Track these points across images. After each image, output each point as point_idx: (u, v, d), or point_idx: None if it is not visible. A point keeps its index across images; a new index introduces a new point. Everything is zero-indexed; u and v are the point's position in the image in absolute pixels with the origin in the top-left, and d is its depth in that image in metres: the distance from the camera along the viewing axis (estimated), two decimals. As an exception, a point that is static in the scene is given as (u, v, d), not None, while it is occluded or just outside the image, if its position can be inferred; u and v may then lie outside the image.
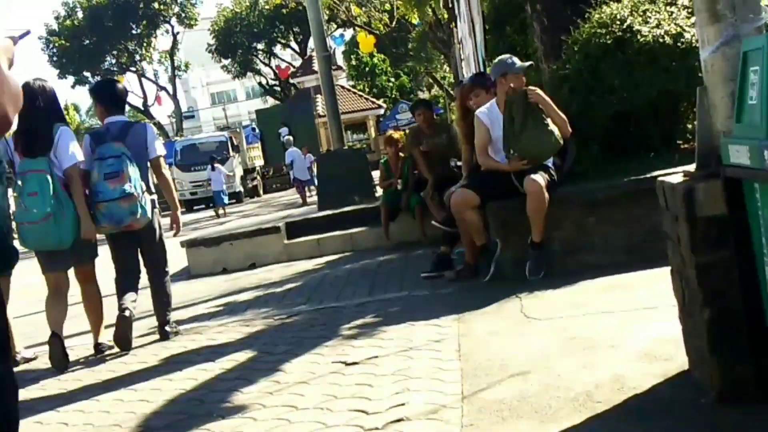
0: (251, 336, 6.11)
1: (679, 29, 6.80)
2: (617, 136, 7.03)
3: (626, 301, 5.08)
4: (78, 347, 6.44)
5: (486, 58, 11.83)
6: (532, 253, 6.29)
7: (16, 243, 4.50)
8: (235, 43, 55.24)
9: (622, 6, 7.11)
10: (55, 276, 6.14)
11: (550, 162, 6.53)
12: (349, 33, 50.31)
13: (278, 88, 58.48)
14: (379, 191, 11.84)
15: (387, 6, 40.53)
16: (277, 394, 4.44)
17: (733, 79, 3.00)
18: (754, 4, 3.11)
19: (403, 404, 3.89)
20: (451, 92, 29.74)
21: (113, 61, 57.65)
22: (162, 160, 6.59)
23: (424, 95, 52.66)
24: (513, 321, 5.18)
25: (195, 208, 32.50)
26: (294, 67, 53.12)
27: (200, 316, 7.37)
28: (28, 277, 7.45)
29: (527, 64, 6.60)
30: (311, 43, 28.58)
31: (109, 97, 6.57)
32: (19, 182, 5.84)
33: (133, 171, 6.14)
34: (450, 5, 22.85)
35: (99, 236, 6.22)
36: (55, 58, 55.99)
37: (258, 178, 38.12)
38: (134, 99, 57.07)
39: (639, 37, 6.81)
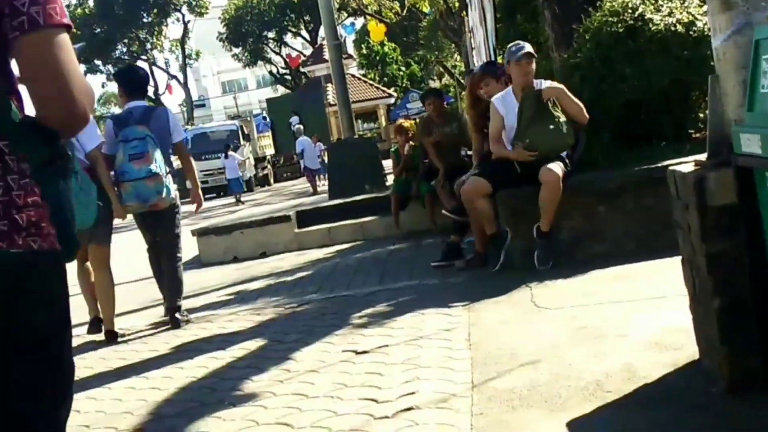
0: (262, 324, 6.13)
1: (691, 18, 6.77)
2: (628, 124, 7.00)
3: (636, 290, 5.07)
4: (87, 335, 6.47)
5: (497, 47, 11.81)
6: (539, 242, 6.28)
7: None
8: (245, 32, 55.14)
9: (634, -6, 7.08)
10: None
11: (565, 154, 6.50)
12: (359, 22, 50.20)
13: (289, 77, 58.42)
14: (390, 180, 11.84)
15: (398, -6, 40.43)
16: (288, 382, 4.45)
17: (744, 67, 2.98)
18: (766, -8, 3.09)
19: (413, 393, 3.90)
20: (462, 81, 29.63)
21: (124, 49, 57.65)
22: (183, 143, 6.81)
23: (434, 84, 52.54)
24: (523, 310, 5.18)
25: (206, 197, 32.39)
26: (304, 55, 53.04)
27: (211, 304, 7.40)
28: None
29: (524, 51, 6.53)
30: (322, 32, 28.52)
31: (129, 82, 6.69)
32: None
33: (157, 152, 6.29)
34: (461, -7, 22.79)
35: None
36: (66, 47, 55.88)
37: (269, 166, 38.13)
38: (145, 88, 56.95)
39: (651, 25, 6.78)
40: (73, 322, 1.94)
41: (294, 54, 56.52)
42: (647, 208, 6.11)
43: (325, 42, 19.76)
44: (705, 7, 4.20)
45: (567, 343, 4.28)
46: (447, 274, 6.86)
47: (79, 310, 6.14)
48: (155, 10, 56.04)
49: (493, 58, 11.70)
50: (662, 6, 6.91)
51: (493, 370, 4.04)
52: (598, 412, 3.28)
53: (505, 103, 6.67)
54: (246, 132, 36.78)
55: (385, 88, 46.93)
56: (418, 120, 12.92)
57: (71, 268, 2.35)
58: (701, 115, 7.00)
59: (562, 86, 6.54)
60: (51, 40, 1.68)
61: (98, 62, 56.48)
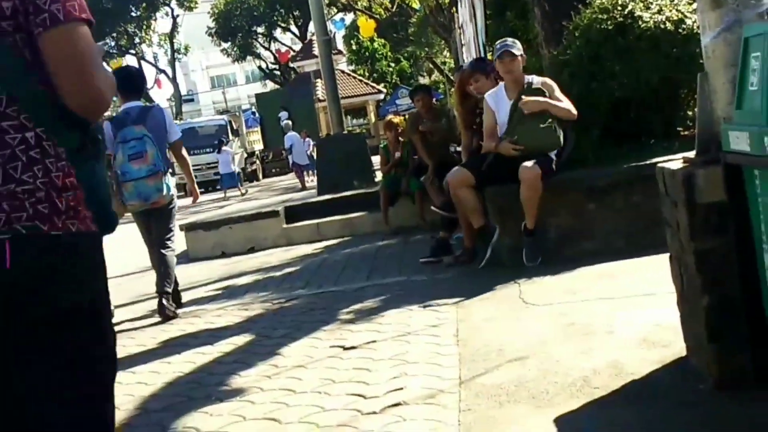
0: (250, 320, 6.12)
1: (680, 15, 6.77)
2: (618, 122, 7.01)
3: (624, 287, 5.08)
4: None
5: (487, 43, 11.80)
6: (526, 240, 6.29)
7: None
8: (235, 27, 54.96)
9: (624, -9, 7.08)
10: None
11: (554, 153, 6.48)
12: (349, 17, 50.11)
13: (278, 72, 58.26)
14: (379, 176, 11.83)
15: (388, -10, 40.37)
16: (275, 377, 4.45)
17: (734, 64, 2.98)
18: (756, -11, 3.09)
19: (400, 389, 3.90)
20: (452, 78, 29.65)
21: (113, 43, 57.35)
22: (181, 141, 7.01)
23: (424, 80, 52.50)
24: (511, 306, 5.18)
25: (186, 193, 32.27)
26: (294, 51, 52.92)
27: (199, 299, 7.37)
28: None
29: (503, 50, 6.55)
30: (311, 27, 28.47)
31: (126, 82, 6.68)
32: None
33: (155, 151, 6.41)
34: (451, -10, 22.78)
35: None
36: (54, 41, 55.59)
37: (257, 162, 38.03)
38: (134, 82, 56.72)
39: (640, 22, 6.78)
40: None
41: (283, 49, 56.36)
42: (636, 205, 6.12)
43: (314, 37, 19.78)
44: (694, 5, 4.21)
45: (555, 339, 4.28)
46: (435, 270, 6.86)
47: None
48: (144, 4, 55.76)
49: (482, 55, 11.68)
50: (652, 3, 6.91)
51: (481, 366, 4.04)
52: (585, 409, 3.29)
53: (496, 99, 6.67)
54: (235, 127, 36.67)
55: (374, 84, 46.86)
56: (407, 116, 12.89)
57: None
58: (690, 112, 7.01)
59: (553, 84, 6.53)
60: (71, 35, 1.83)
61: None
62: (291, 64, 51.29)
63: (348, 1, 40.89)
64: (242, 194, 24.15)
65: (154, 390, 4.61)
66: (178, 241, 7.43)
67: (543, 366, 3.87)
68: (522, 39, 9.26)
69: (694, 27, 6.40)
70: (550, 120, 6.38)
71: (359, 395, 3.92)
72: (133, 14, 56.45)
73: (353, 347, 4.80)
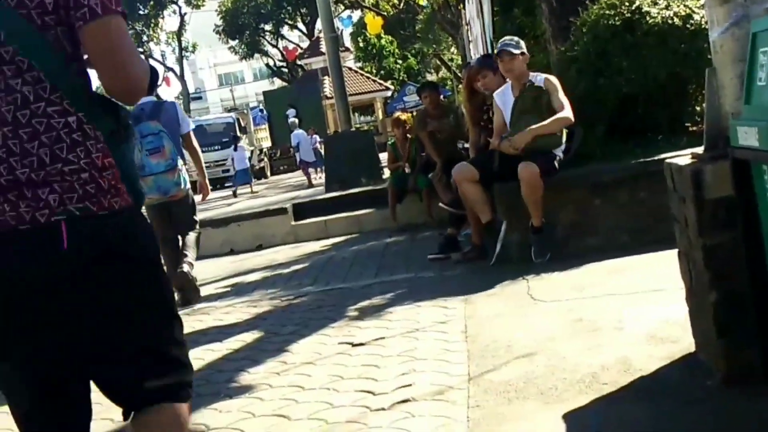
0: (258, 317, 6.13)
1: (688, 10, 6.77)
2: (625, 118, 7.00)
3: (632, 283, 5.07)
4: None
5: (494, 40, 11.78)
6: (533, 237, 6.28)
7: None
8: (242, 24, 54.96)
9: (631, -13, 7.07)
10: None
11: (559, 150, 6.47)
12: (356, 14, 50.00)
13: (285, 70, 58.22)
14: (386, 173, 11.84)
15: (395, -13, 40.30)
16: (284, 374, 4.45)
17: (742, 60, 2.97)
18: (764, -16, 3.08)
19: (409, 385, 3.90)
20: (459, 74, 29.58)
21: (120, 41, 57.40)
22: (192, 133, 7.21)
23: (431, 77, 52.38)
24: (519, 303, 5.18)
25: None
26: (301, 48, 52.86)
27: (207, 296, 7.38)
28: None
29: (499, 48, 6.58)
30: (319, 25, 28.47)
31: None
32: None
33: (171, 146, 6.59)
34: (458, -14, 22.74)
35: None
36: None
37: (265, 159, 38.05)
38: (142, 80, 56.74)
39: (648, 18, 6.78)
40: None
41: (291, 47, 56.34)
42: (642, 201, 6.11)
43: (322, 35, 19.78)
44: (702, 0, 4.20)
45: (563, 335, 4.28)
46: (444, 267, 6.87)
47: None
48: (151, 3, 55.82)
49: (489, 51, 11.67)
50: (659, -1, 6.91)
51: (489, 362, 4.04)
52: (593, 405, 3.28)
53: (504, 98, 6.67)
54: (243, 125, 36.68)
55: (382, 81, 46.83)
56: (415, 113, 12.90)
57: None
58: (698, 108, 6.99)
59: (556, 82, 6.50)
60: (109, 27, 1.97)
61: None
62: (298, 62, 51.25)
63: (355, -2, 40.82)
64: (252, 192, 24.19)
65: (164, 387, 4.61)
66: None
67: (551, 362, 3.87)
68: (529, 35, 9.29)
69: (702, 22, 6.39)
70: (548, 117, 6.35)
71: (368, 392, 3.92)
72: (141, 12, 56.47)
73: (361, 344, 4.80)
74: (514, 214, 6.42)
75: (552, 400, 3.40)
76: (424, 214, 9.54)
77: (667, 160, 3.51)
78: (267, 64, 60.92)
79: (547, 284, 5.54)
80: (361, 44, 54.26)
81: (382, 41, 52.35)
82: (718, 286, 3.09)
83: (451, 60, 47.39)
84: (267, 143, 41.17)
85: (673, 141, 6.50)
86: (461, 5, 23.33)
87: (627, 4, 6.92)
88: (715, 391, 3.14)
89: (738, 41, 3.05)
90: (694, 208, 3.09)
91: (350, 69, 42.83)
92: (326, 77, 33.24)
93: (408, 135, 10.11)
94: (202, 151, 7.38)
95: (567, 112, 6.30)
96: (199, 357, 5.13)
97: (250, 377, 4.50)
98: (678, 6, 6.81)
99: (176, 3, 57.69)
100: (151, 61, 58.32)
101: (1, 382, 2.12)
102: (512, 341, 4.31)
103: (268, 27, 56.89)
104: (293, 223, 10.74)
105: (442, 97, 10.35)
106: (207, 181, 7.55)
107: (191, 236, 7.06)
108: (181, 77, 61.37)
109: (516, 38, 6.68)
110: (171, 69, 61.83)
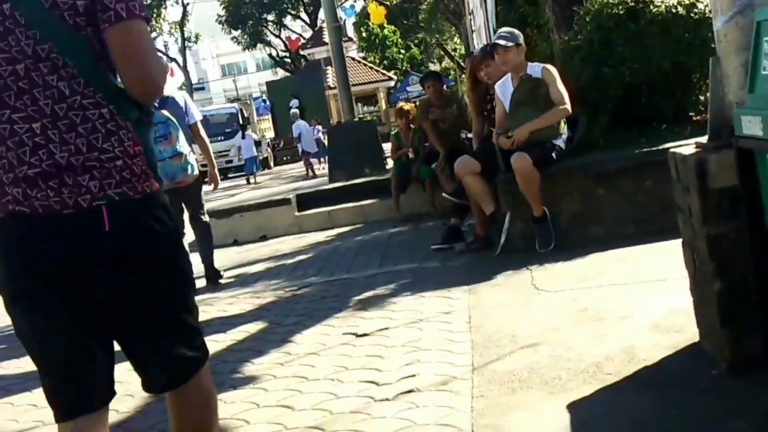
0: (262, 307, 6.14)
1: (692, -1, 6.74)
2: (628, 107, 6.99)
3: (636, 273, 5.07)
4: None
5: (497, 29, 11.76)
6: (535, 227, 6.28)
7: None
8: (245, 15, 54.88)
9: (635, -24, 7.04)
10: None
11: (561, 140, 6.45)
12: (359, 4, 49.99)
13: (288, 60, 58.17)
14: (390, 163, 11.83)
15: (398, -24, 40.24)
16: (288, 365, 4.46)
17: (746, 48, 2.96)
18: (768, -28, 3.07)
19: (413, 375, 3.91)
20: (462, 64, 29.55)
21: (123, 32, 57.32)
22: (200, 123, 7.43)
23: (434, 67, 52.29)
24: (523, 293, 5.18)
25: (206, 180, 32.31)
26: (304, 38, 52.80)
27: (211, 287, 7.39)
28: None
29: (493, 42, 6.58)
30: (321, 15, 28.39)
31: None
32: None
33: (179, 133, 6.68)
34: (461, -24, 22.69)
35: None
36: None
37: (269, 149, 38.03)
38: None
39: (652, 7, 6.76)
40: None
41: (293, 37, 56.26)
42: (646, 190, 6.11)
43: (324, 25, 19.70)
44: (706, -11, 4.20)
45: (567, 325, 4.28)
46: (447, 257, 6.86)
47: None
48: (154, -7, 55.77)
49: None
50: (663, -12, 6.88)
51: (494, 352, 4.04)
52: (598, 395, 3.29)
53: (504, 89, 6.66)
54: (246, 115, 36.65)
55: (385, 71, 46.75)
56: (418, 103, 12.88)
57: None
58: (702, 97, 6.98)
59: (554, 72, 6.47)
60: (132, 31, 2.10)
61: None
62: (301, 52, 51.17)
63: (358, -13, 40.75)
64: (255, 183, 24.20)
65: (168, 378, 4.62)
66: (190, 229, 7.47)
67: (555, 352, 3.87)
68: (533, 25, 9.26)
69: (706, 11, 6.37)
70: (545, 109, 6.33)
71: (372, 382, 3.93)
72: (144, 2, 56.41)
73: (366, 334, 4.81)
74: (517, 204, 6.41)
75: (556, 390, 3.40)
76: (427, 205, 9.53)
77: (671, 150, 3.50)
78: (270, 55, 60.85)
79: (551, 274, 5.54)
80: (364, 34, 54.17)
81: (385, 31, 52.26)
82: (722, 275, 3.08)
83: (455, 50, 47.34)
84: (270, 134, 41.15)
85: (677, 130, 6.49)
86: (464, -5, 23.28)
87: (631, -8, 6.90)
88: (720, 380, 3.14)
89: (742, 30, 3.04)
90: (698, 197, 3.09)
91: (353, 59, 42.78)
92: (329, 67, 33.20)
93: (411, 125, 10.10)
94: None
95: (564, 105, 6.28)
96: (204, 348, 5.14)
97: (254, 368, 4.51)
98: (681, -5, 6.79)
99: (179, -7, 57.54)
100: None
101: (37, 352, 2.23)
102: (516, 331, 4.32)
103: (270, 17, 56.81)
104: (297, 213, 10.74)
105: (445, 87, 10.32)
106: (216, 171, 7.71)
107: (207, 233, 7.52)
108: (184, 68, 61.25)
109: (511, 30, 6.64)
110: (174, 59, 61.71)
